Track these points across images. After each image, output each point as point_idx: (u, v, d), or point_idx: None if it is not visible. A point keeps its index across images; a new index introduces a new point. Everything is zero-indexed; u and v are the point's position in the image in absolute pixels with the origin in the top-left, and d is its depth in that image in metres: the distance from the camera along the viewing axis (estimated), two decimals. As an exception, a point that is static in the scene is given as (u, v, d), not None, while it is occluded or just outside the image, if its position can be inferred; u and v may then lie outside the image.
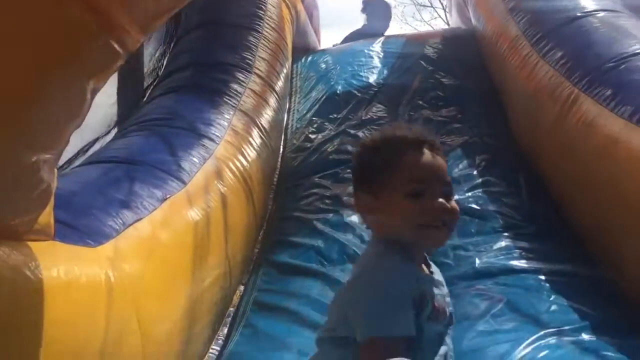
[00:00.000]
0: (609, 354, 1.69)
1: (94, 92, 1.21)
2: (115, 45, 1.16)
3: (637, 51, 2.44)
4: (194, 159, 2.33)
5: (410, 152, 1.35)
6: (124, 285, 1.49)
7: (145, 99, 3.19)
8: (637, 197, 1.93)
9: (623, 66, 2.38)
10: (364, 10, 5.34)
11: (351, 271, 1.62)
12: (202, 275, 2.03)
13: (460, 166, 3.01)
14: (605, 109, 2.22)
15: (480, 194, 2.75)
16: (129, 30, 1.17)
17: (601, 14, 2.90)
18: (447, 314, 1.35)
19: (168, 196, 1.97)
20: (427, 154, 1.35)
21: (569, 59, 2.67)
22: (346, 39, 5.26)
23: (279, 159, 3.52)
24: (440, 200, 1.30)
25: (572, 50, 2.71)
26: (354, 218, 2.73)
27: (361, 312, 1.27)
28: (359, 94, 3.87)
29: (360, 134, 3.48)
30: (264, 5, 3.90)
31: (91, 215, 1.59)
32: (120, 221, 1.65)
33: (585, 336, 1.79)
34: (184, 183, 2.12)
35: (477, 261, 2.27)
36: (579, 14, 2.94)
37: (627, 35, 2.62)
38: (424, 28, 14.34)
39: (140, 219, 1.74)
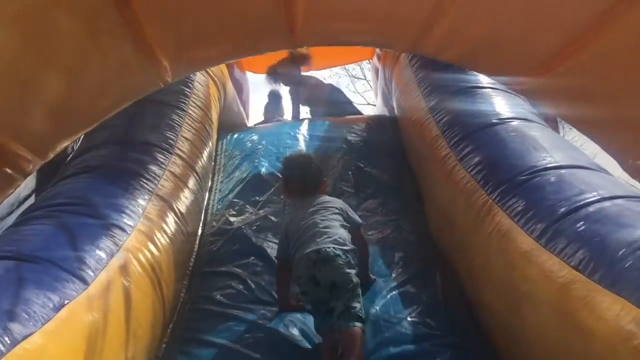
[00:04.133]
0: None
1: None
2: (10, 172, 1.08)
3: (547, 165, 2.53)
4: (101, 254, 2.20)
5: None
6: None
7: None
8: (548, 321, 1.96)
9: (534, 180, 2.45)
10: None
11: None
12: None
13: (380, 262, 3.01)
14: (516, 225, 2.28)
15: (397, 296, 2.74)
16: (25, 156, 1.10)
17: (515, 122, 3.03)
18: None
19: (66, 302, 1.83)
20: None
21: (484, 167, 2.75)
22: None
23: (197, 243, 3.41)
24: None
25: (487, 157, 2.79)
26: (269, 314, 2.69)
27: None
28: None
29: (281, 220, 3.44)
30: (191, 83, 3.87)
31: (-29, 335, 1.45)
32: (7, 340, 1.51)
33: None
34: (86, 284, 1.99)
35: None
36: (494, 121, 3.06)
37: (538, 147, 2.72)
38: (357, 99, 14.88)
39: (31, 333, 1.60)
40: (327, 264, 2.42)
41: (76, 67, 1.14)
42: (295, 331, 2.60)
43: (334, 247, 2.45)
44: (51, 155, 1.22)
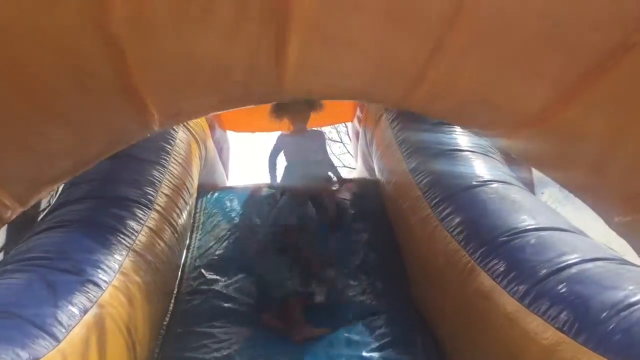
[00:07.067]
0: None
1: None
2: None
3: (527, 227, 2.55)
4: (73, 310, 2.13)
5: None
6: None
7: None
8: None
9: (515, 241, 2.46)
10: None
11: None
12: None
13: (360, 325, 2.95)
14: (498, 285, 2.27)
15: (377, 357, 2.69)
16: (6, 202, 1.07)
17: (495, 184, 3.06)
18: None
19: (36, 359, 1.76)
20: None
21: (465, 228, 2.75)
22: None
23: (172, 302, 3.33)
24: None
25: (468, 219, 2.80)
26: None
27: None
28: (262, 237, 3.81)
29: (259, 280, 3.39)
30: (172, 140, 3.87)
31: None
32: (-28, 398, 1.44)
33: None
34: (58, 341, 1.92)
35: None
36: (474, 183, 3.09)
37: (518, 209, 2.75)
38: (333, 160, 15.01)
39: (-4, 392, 1.53)
40: None
41: (66, 114, 1.13)
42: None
43: None
44: (32, 203, 1.19)
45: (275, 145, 4.43)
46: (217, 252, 3.70)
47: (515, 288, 2.18)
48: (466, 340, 2.53)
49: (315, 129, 4.67)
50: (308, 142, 4.35)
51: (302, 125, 4.36)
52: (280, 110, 4.27)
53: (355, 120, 5.38)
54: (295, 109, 4.25)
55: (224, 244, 3.78)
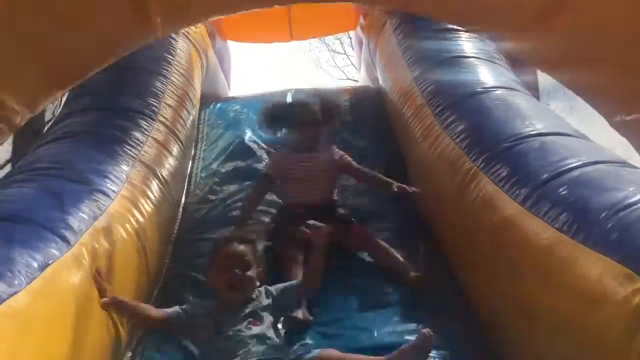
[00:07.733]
0: None
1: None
2: (1, 125, 1.06)
3: (531, 132, 2.55)
4: (84, 216, 2.18)
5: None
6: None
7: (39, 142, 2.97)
8: (529, 285, 2.00)
9: (518, 147, 2.47)
10: None
11: None
12: (84, 347, 1.88)
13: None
14: (500, 190, 2.30)
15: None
16: (16, 109, 1.08)
17: (499, 91, 3.05)
18: None
19: (50, 262, 1.82)
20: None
21: (469, 134, 2.76)
22: None
23: (180, 210, 3.39)
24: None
25: (472, 125, 2.80)
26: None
27: None
28: (266, 146, 3.83)
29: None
30: (173, 50, 3.81)
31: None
32: (-7, 298, 1.50)
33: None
34: (70, 244, 1.97)
35: (375, 334, 2.28)
36: (479, 89, 3.07)
37: (522, 115, 2.74)
38: (337, 73, 15.00)
39: (16, 292, 1.59)
40: None
41: (74, 19, 1.12)
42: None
43: None
44: (39, 109, 1.20)
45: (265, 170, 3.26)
46: (222, 163, 3.73)
47: (517, 192, 2.21)
48: (466, 244, 2.59)
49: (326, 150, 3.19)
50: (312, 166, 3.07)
51: (307, 143, 3.12)
52: (277, 121, 3.23)
53: (359, 29, 5.27)
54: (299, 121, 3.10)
55: (229, 154, 3.79)
